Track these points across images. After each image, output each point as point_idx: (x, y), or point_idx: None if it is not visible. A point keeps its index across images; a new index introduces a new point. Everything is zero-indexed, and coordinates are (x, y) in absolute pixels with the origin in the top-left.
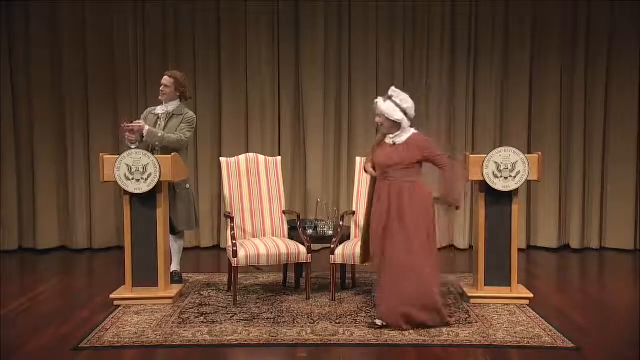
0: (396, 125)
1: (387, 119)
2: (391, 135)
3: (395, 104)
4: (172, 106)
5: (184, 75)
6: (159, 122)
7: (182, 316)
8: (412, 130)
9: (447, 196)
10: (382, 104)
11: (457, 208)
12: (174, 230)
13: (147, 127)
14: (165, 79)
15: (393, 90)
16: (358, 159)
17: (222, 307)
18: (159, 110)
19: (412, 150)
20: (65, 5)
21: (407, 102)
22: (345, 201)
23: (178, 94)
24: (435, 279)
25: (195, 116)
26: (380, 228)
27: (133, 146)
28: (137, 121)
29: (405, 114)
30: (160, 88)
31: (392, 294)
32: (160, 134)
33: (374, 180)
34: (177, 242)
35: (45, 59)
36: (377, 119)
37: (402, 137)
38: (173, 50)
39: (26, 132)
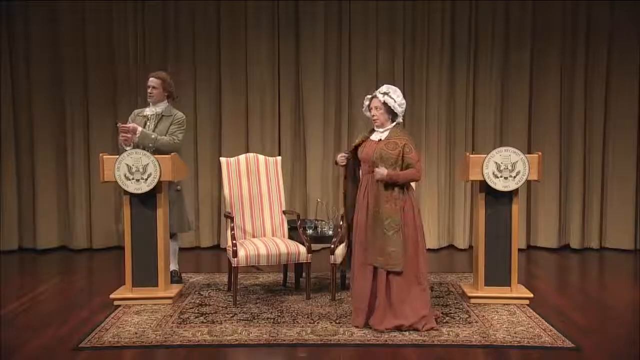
0: (389, 120)
1: (383, 113)
2: (380, 130)
3: (393, 100)
4: (160, 107)
5: (170, 75)
6: (147, 124)
7: (182, 316)
8: (397, 130)
9: (389, 173)
10: (382, 97)
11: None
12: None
13: (140, 129)
14: (152, 81)
15: (388, 87)
16: None
17: (222, 307)
18: (148, 111)
19: (395, 145)
20: (65, 5)
21: (402, 100)
22: None
23: (166, 94)
24: (425, 285)
25: (184, 117)
26: (365, 224)
27: (128, 148)
28: (132, 124)
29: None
30: (148, 90)
31: (387, 302)
32: (153, 136)
33: (349, 180)
34: (172, 244)
35: (45, 59)
36: (374, 112)
37: (387, 133)
38: (173, 50)
39: (26, 132)
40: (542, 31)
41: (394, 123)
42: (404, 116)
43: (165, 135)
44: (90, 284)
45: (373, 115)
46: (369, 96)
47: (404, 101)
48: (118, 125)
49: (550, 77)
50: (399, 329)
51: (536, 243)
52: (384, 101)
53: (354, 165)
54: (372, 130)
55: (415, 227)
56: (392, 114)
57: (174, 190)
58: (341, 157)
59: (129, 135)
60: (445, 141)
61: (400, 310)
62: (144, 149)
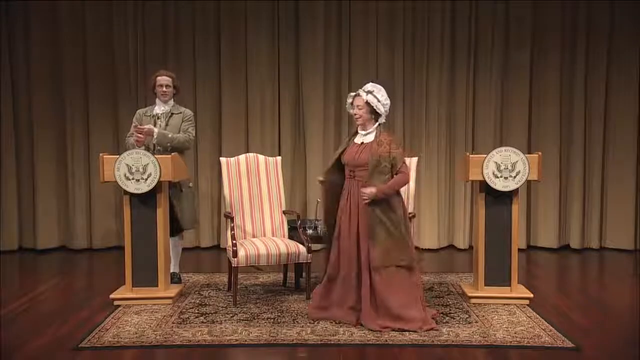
0: (372, 121)
1: (366, 112)
2: (363, 132)
3: (377, 99)
4: (169, 105)
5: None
6: (158, 123)
7: (182, 316)
8: (381, 130)
9: (380, 190)
10: (366, 96)
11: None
12: (173, 232)
13: (156, 130)
14: (166, 79)
15: (373, 86)
16: None
17: (222, 307)
18: (158, 110)
19: (381, 142)
20: (65, 5)
21: (387, 100)
22: None
23: (175, 91)
24: (414, 284)
25: (192, 112)
26: (348, 228)
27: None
28: (147, 125)
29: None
30: (162, 89)
31: (373, 302)
32: (170, 135)
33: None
34: (176, 244)
35: (45, 59)
36: (356, 111)
37: (371, 135)
38: (173, 50)
39: (26, 132)
40: (542, 31)
41: (377, 124)
42: (405, 119)
43: (179, 133)
44: (90, 284)
45: (355, 114)
46: (352, 94)
47: (388, 101)
48: (135, 125)
49: (550, 77)
50: (392, 329)
51: (536, 243)
52: (367, 100)
53: (336, 177)
54: (355, 133)
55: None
56: (375, 113)
57: (186, 187)
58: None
59: (142, 137)
60: (445, 141)
61: (389, 310)
62: (154, 147)
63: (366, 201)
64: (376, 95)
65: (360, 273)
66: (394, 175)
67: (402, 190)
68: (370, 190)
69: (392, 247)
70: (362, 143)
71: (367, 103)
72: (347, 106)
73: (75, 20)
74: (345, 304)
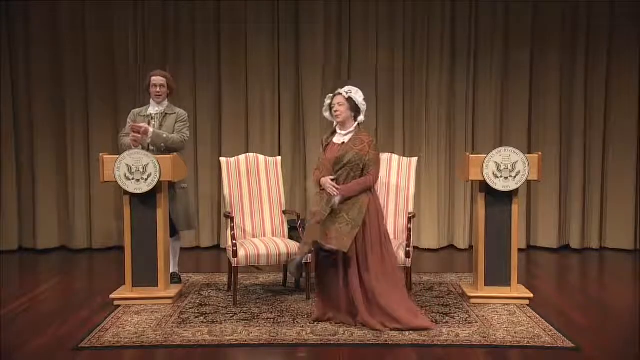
0: (351, 119)
1: (347, 109)
2: (343, 132)
3: (355, 100)
4: (163, 105)
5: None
6: (152, 123)
7: (182, 316)
8: (360, 130)
9: (341, 190)
10: (346, 94)
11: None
12: (172, 233)
13: (151, 129)
14: (160, 79)
15: (351, 88)
16: None
17: (222, 307)
18: (152, 110)
19: (361, 141)
20: (65, 5)
21: (364, 102)
22: None
23: (169, 92)
24: (401, 286)
25: (186, 113)
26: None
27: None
28: (142, 123)
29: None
30: (156, 89)
31: (365, 303)
32: (165, 135)
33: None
34: (175, 244)
35: (45, 59)
36: (336, 107)
37: (350, 135)
38: (173, 50)
39: (26, 132)
40: (542, 31)
41: (356, 123)
42: (405, 119)
43: (174, 133)
44: (90, 284)
45: (336, 111)
46: (331, 95)
47: (365, 104)
48: (130, 124)
49: (550, 77)
50: (390, 328)
51: (536, 243)
52: (349, 97)
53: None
54: (334, 132)
55: (379, 229)
56: (355, 111)
57: (179, 188)
58: (331, 187)
59: (139, 136)
60: (445, 141)
61: (383, 309)
62: (148, 149)
63: (331, 204)
64: (354, 95)
65: (347, 274)
66: (363, 175)
67: (402, 189)
68: (335, 196)
69: (341, 229)
70: (343, 143)
71: (348, 99)
72: (324, 109)
73: (75, 20)
74: (342, 305)
